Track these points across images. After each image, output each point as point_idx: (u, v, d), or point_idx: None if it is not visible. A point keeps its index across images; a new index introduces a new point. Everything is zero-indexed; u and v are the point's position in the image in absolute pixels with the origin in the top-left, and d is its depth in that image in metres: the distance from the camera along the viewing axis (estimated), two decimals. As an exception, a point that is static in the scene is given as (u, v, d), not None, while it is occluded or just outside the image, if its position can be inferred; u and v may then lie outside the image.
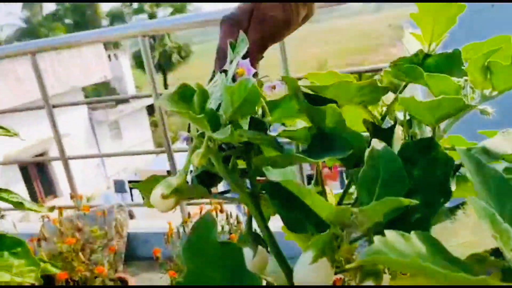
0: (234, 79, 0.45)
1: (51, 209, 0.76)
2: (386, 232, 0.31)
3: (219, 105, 0.46)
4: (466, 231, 0.48)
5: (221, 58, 0.50)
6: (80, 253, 1.34)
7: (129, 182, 7.44)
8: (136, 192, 7.17)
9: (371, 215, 0.35)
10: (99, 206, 1.76)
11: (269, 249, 0.47)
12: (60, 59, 9.29)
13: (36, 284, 0.63)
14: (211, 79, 0.51)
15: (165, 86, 19.65)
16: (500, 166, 0.43)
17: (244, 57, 0.47)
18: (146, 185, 0.52)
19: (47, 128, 1.91)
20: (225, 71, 0.46)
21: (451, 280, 0.30)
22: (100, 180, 10.88)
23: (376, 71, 1.83)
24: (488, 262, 0.40)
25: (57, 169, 9.70)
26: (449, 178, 0.40)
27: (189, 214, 1.55)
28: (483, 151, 0.40)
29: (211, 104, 0.46)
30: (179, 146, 3.00)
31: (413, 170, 0.42)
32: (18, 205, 0.69)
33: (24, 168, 8.82)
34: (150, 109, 12.68)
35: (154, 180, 0.51)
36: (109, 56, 12.92)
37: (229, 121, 0.45)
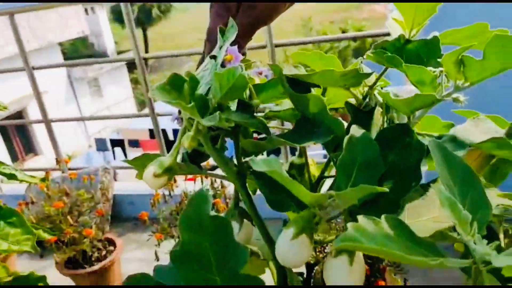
0: (223, 65, 0.47)
1: (43, 179, 0.78)
2: (359, 217, 0.35)
3: (209, 89, 0.48)
4: (436, 207, 0.52)
5: (211, 41, 0.52)
6: (68, 216, 1.37)
7: (111, 141, 7.39)
8: (118, 151, 7.14)
9: (347, 199, 0.39)
10: (84, 170, 1.78)
11: (253, 222, 0.51)
12: (36, 13, 8.94)
13: (33, 251, 0.67)
14: (201, 62, 0.52)
15: (145, 41, 19.13)
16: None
17: (233, 43, 0.48)
18: (138, 161, 0.55)
19: (25, 84, 1.88)
20: (214, 57, 0.48)
21: (414, 262, 0.34)
22: (81, 139, 10.78)
23: (367, 37, 1.85)
24: (450, 238, 0.44)
25: (36, 128, 9.54)
26: (420, 164, 0.44)
27: (174, 179, 1.58)
28: (452, 139, 0.44)
29: (201, 88, 0.48)
30: (161, 105, 3.00)
31: (388, 154, 0.46)
32: (11, 177, 0.71)
33: (3, 127, 8.66)
34: (130, 66, 12.43)
35: (145, 157, 0.54)
36: (86, 10, 12.46)
37: (218, 105, 0.48)
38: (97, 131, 11.19)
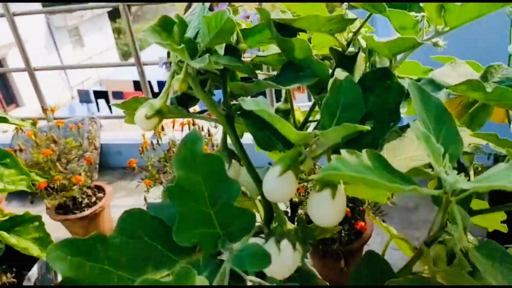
0: (211, 9, 0.48)
1: (33, 124, 0.79)
2: (342, 151, 0.37)
3: (197, 33, 0.49)
4: (412, 147, 0.55)
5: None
6: (57, 163, 1.39)
7: (95, 92, 7.26)
8: (102, 103, 7.05)
9: (331, 137, 0.41)
10: (70, 119, 1.77)
11: (241, 162, 0.53)
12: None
13: (29, 190, 0.69)
14: (188, 8, 0.53)
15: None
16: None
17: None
18: (128, 104, 0.56)
19: (2, 33, 1.83)
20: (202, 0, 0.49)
21: (390, 188, 0.37)
22: (63, 90, 10.56)
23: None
24: (424, 173, 0.48)
25: (16, 79, 9.29)
26: (399, 105, 0.46)
27: (162, 127, 1.60)
28: (430, 82, 0.46)
29: (190, 32, 0.49)
30: (146, 55, 2.95)
31: (370, 97, 0.48)
32: (2, 120, 0.72)
33: (-19, 77, 8.42)
34: (112, 15, 12.00)
35: (135, 100, 0.55)
36: (63, -47, 11.80)
37: (206, 49, 0.49)
38: (80, 82, 10.96)
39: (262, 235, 0.52)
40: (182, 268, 0.34)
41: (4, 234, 0.71)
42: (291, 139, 0.42)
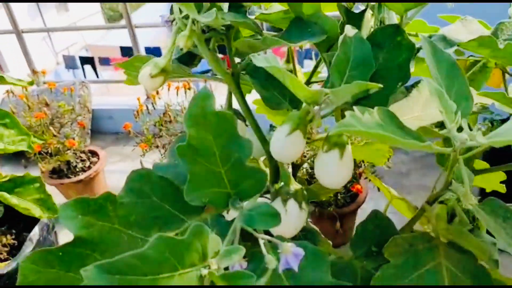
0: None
1: (31, 82, 0.77)
2: (355, 107, 0.37)
3: (202, -13, 0.47)
4: (418, 107, 0.55)
5: None
6: (50, 127, 1.37)
7: (81, 58, 7.08)
8: (88, 68, 6.89)
9: (341, 95, 0.41)
10: (60, 83, 1.73)
11: (247, 121, 0.53)
12: None
13: (30, 151, 0.68)
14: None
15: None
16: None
17: None
18: (130, 63, 0.55)
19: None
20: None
21: (404, 145, 0.37)
22: (47, 55, 10.30)
23: None
24: (433, 133, 0.48)
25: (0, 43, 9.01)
26: (409, 62, 0.45)
27: (157, 91, 1.57)
28: (441, 39, 0.45)
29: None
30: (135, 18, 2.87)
31: (379, 53, 0.48)
32: (0, 80, 0.70)
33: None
34: (97, -24, 11.57)
35: (137, 59, 0.54)
36: None
37: (211, 5, 0.47)
38: (65, 48, 10.68)
39: (268, 195, 0.52)
40: (196, 225, 0.34)
41: (5, 194, 0.70)
42: (301, 97, 0.42)
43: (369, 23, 0.54)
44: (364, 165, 1.14)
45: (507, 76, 0.66)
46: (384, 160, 0.82)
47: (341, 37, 0.44)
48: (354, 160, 1.15)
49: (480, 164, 0.57)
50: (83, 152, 1.50)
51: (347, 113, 0.36)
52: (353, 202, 1.17)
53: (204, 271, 0.32)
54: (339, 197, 1.11)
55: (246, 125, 0.55)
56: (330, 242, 0.57)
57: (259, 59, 0.38)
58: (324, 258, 0.38)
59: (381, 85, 0.38)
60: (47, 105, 1.40)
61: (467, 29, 0.47)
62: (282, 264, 0.35)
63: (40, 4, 10.39)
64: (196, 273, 0.32)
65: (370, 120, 0.36)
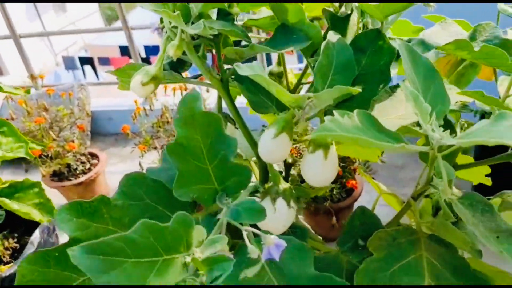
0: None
1: (27, 91, 0.79)
2: (334, 112, 0.39)
3: (189, -3, 0.49)
4: (402, 106, 0.57)
5: None
6: (50, 131, 1.39)
7: (80, 59, 7.09)
8: (88, 69, 6.90)
9: (323, 99, 0.43)
10: (59, 86, 1.75)
11: (236, 124, 0.55)
12: None
13: (28, 158, 0.70)
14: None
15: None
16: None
17: None
18: (123, 71, 0.57)
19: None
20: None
21: (381, 146, 0.39)
22: (47, 56, 10.30)
23: None
24: (413, 131, 0.50)
25: (-1, 47, 9.02)
26: (390, 66, 0.47)
27: (154, 93, 1.59)
28: (420, 42, 0.47)
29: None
30: (132, 19, 2.89)
31: (362, 58, 0.50)
32: (-2, 89, 0.72)
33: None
34: (94, -23, 11.56)
35: (130, 67, 0.56)
36: None
37: (199, 13, 0.49)
38: (64, 48, 10.69)
39: (258, 195, 0.54)
40: (180, 213, 0.35)
41: (6, 200, 0.72)
42: (285, 102, 0.44)
43: (355, 27, 0.56)
44: (359, 161, 1.16)
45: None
46: (376, 157, 0.84)
47: (323, 43, 0.46)
48: (349, 156, 1.17)
49: (464, 159, 0.59)
50: (83, 154, 1.52)
51: (326, 118, 0.38)
52: (348, 197, 1.19)
53: (188, 258, 0.34)
54: (334, 192, 1.13)
55: (236, 128, 0.57)
56: (321, 238, 0.60)
57: (243, 68, 0.40)
58: (307, 252, 0.41)
59: (360, 89, 0.40)
60: (46, 109, 1.42)
61: (446, 31, 0.49)
62: (265, 254, 0.37)
63: (38, 5, 10.39)
64: (180, 260, 0.34)
65: (350, 124, 0.38)
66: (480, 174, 0.65)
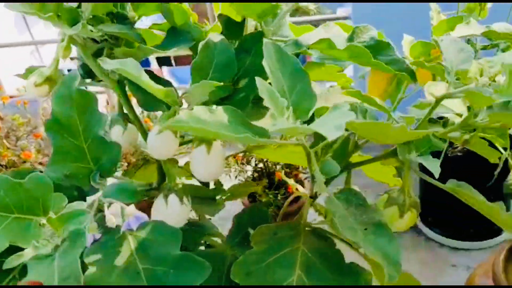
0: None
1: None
2: (195, 106, 0.41)
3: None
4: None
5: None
6: (4, 140, 1.40)
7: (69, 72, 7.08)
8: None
9: (195, 95, 0.45)
10: (23, 97, 1.76)
11: (135, 125, 0.56)
12: None
13: None
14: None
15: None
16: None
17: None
18: (25, 75, 0.58)
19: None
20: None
21: (242, 140, 0.41)
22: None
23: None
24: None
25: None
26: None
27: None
28: (294, 43, 0.50)
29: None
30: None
31: (247, 58, 0.52)
32: None
33: None
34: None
35: (31, 70, 0.57)
36: None
37: (93, 16, 0.52)
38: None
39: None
40: (36, 173, 0.37)
41: None
42: (159, 96, 0.45)
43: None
44: (301, 167, 1.18)
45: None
46: (303, 161, 0.86)
47: (201, 43, 0.48)
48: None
49: (361, 157, 0.60)
50: (41, 163, 1.53)
51: (181, 111, 0.39)
52: (295, 203, 1.20)
53: (43, 220, 0.35)
54: (278, 198, 1.15)
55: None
56: (223, 234, 0.61)
57: (109, 63, 0.41)
58: (174, 234, 0.42)
59: (220, 83, 0.43)
60: (0, 118, 1.43)
61: (328, 34, 0.51)
62: (125, 225, 0.39)
63: (27, 18, 10.40)
64: (35, 219, 0.35)
65: (210, 118, 0.40)
66: (388, 175, 0.66)
